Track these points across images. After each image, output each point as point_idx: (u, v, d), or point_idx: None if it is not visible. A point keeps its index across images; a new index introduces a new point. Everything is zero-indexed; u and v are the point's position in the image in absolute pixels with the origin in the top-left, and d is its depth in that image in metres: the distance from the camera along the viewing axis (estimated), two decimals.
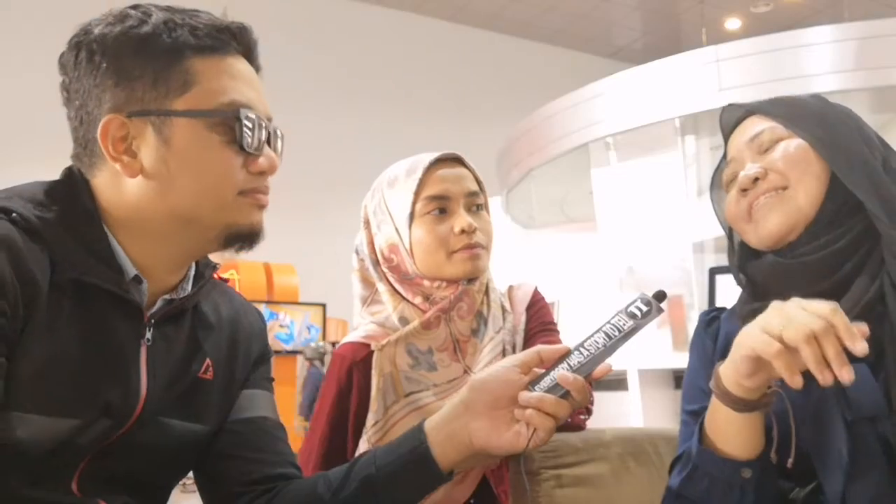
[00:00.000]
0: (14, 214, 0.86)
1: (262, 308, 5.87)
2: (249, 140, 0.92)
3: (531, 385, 0.96)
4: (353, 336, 1.40)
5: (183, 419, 0.97)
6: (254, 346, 1.10)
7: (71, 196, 0.92)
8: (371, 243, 1.42)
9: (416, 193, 1.35)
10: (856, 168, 1.02)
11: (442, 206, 1.35)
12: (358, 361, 1.34)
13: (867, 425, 0.93)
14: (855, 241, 0.99)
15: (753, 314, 1.05)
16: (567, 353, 0.97)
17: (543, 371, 0.97)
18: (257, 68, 1.00)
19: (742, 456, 0.96)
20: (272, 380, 1.14)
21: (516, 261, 6.49)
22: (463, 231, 1.33)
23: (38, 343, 0.83)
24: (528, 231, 7.34)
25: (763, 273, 1.06)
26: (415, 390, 1.32)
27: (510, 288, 1.48)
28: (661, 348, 4.76)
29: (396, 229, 1.37)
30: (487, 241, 1.38)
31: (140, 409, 0.92)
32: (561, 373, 0.95)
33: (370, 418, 1.31)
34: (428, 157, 1.38)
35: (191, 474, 1.08)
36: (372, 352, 1.34)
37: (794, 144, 1.05)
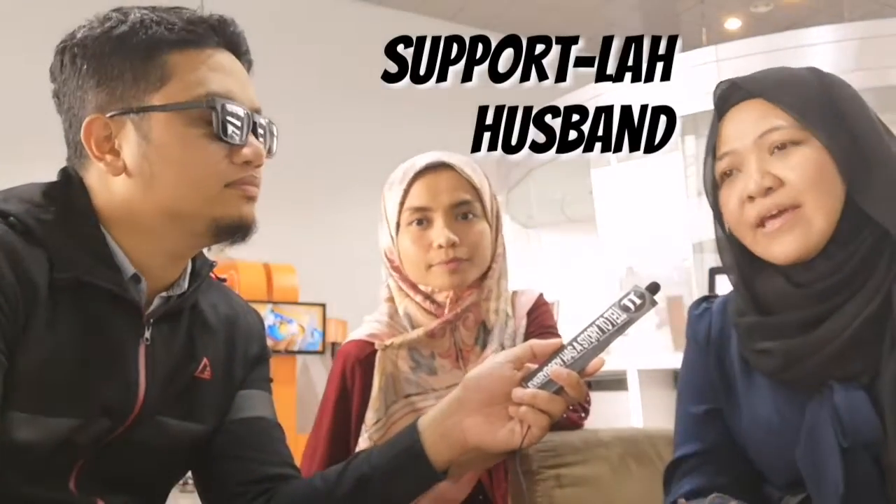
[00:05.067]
0: (11, 218, 0.86)
1: (266, 308, 5.85)
2: (230, 130, 0.91)
3: (525, 381, 0.95)
4: (358, 333, 1.41)
5: (180, 418, 0.97)
6: (252, 347, 1.10)
7: (68, 196, 0.92)
8: (380, 239, 1.44)
9: (401, 203, 1.35)
10: (873, 176, 0.95)
11: (422, 218, 1.34)
12: (362, 359, 1.35)
13: (863, 452, 0.90)
14: (865, 256, 0.94)
15: (749, 331, 1.02)
16: (560, 348, 0.96)
17: (537, 367, 0.96)
18: (247, 61, 0.99)
19: None
20: (270, 380, 1.14)
21: (516, 261, 6.48)
22: (440, 245, 1.32)
23: (37, 343, 0.83)
24: (528, 231, 7.33)
25: (770, 295, 1.00)
26: (414, 392, 1.33)
27: (514, 293, 1.48)
28: (661, 348, 4.75)
29: (390, 235, 1.39)
30: (471, 253, 1.35)
31: (138, 409, 0.92)
32: (554, 368, 0.94)
33: (371, 416, 1.31)
34: (418, 164, 1.36)
35: (190, 473, 1.08)
36: (375, 350, 1.34)
37: (811, 156, 0.95)
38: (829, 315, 0.94)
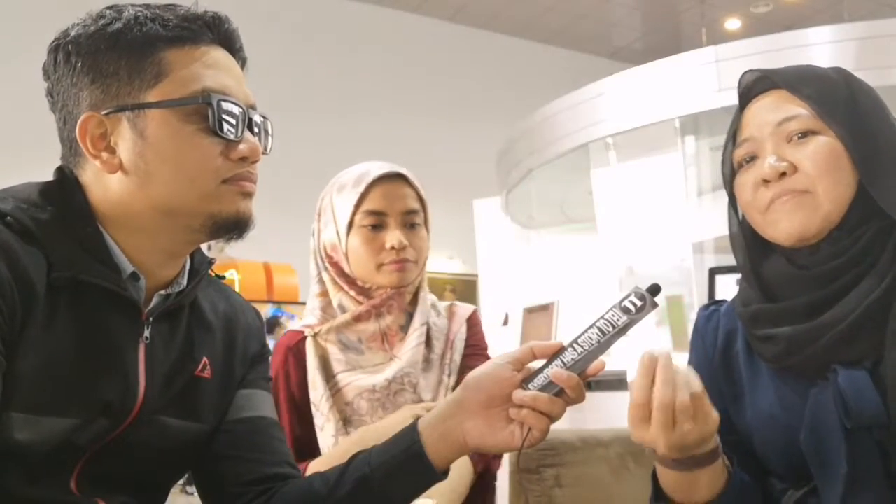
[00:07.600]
0: (8, 217, 0.86)
1: (267, 307, 5.85)
2: (226, 126, 0.91)
3: (525, 383, 0.95)
4: (294, 325, 1.59)
5: (180, 418, 0.97)
6: (251, 345, 1.10)
7: (65, 195, 0.92)
8: (318, 235, 1.56)
9: (357, 205, 1.48)
10: (884, 168, 0.98)
11: (378, 222, 1.48)
12: (292, 346, 1.52)
13: (866, 434, 0.92)
14: (870, 241, 0.97)
15: (754, 319, 1.04)
16: (561, 350, 0.96)
17: (537, 368, 0.96)
18: (241, 58, 1.00)
19: (707, 496, 0.94)
20: (270, 379, 1.14)
21: (516, 261, 6.48)
22: (393, 247, 1.47)
23: (36, 344, 0.83)
24: (528, 231, 7.33)
25: (774, 278, 1.03)
26: (343, 370, 1.48)
27: (453, 304, 1.63)
28: (660, 349, 4.75)
29: (338, 233, 1.51)
30: (417, 257, 1.52)
31: (138, 408, 0.91)
32: (555, 370, 0.94)
33: (314, 395, 1.46)
34: (375, 172, 1.49)
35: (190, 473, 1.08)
36: (305, 337, 1.50)
37: (826, 144, 0.98)
38: (833, 300, 0.96)
